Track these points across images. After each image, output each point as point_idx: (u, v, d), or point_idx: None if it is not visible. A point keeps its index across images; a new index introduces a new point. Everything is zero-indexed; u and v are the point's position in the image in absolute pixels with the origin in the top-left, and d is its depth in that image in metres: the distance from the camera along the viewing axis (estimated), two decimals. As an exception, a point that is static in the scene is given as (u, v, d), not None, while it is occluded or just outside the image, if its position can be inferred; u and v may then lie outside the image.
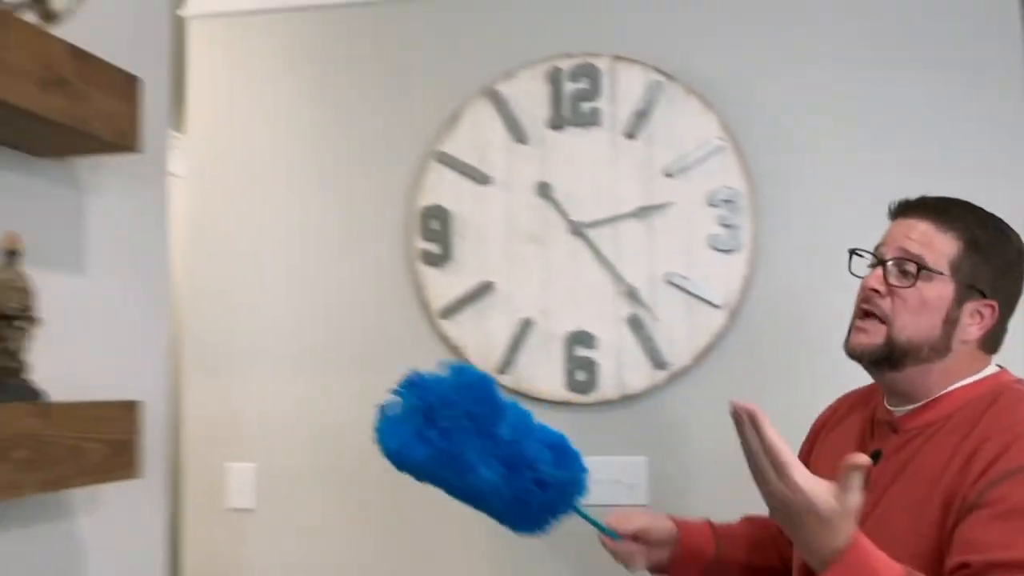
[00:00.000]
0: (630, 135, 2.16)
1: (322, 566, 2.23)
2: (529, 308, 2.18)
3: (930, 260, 1.28)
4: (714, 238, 2.11)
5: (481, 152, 2.21)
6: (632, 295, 2.14)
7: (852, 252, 1.38)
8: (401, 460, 1.24)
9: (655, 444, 2.12)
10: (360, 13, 2.29)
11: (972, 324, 1.29)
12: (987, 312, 1.29)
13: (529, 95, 2.19)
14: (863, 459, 1.03)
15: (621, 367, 2.13)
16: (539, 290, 2.18)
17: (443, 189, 2.22)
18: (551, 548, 2.12)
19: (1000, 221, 1.33)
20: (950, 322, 1.28)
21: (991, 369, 1.32)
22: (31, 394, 1.03)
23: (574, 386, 2.14)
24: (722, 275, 2.11)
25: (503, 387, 2.14)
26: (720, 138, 2.12)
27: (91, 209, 1.26)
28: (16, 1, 1.02)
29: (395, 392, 1.26)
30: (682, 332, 2.12)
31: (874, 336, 1.30)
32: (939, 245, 1.28)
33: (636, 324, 2.13)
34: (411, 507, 2.18)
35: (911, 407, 1.32)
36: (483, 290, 2.19)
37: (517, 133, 2.20)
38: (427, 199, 2.22)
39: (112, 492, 1.27)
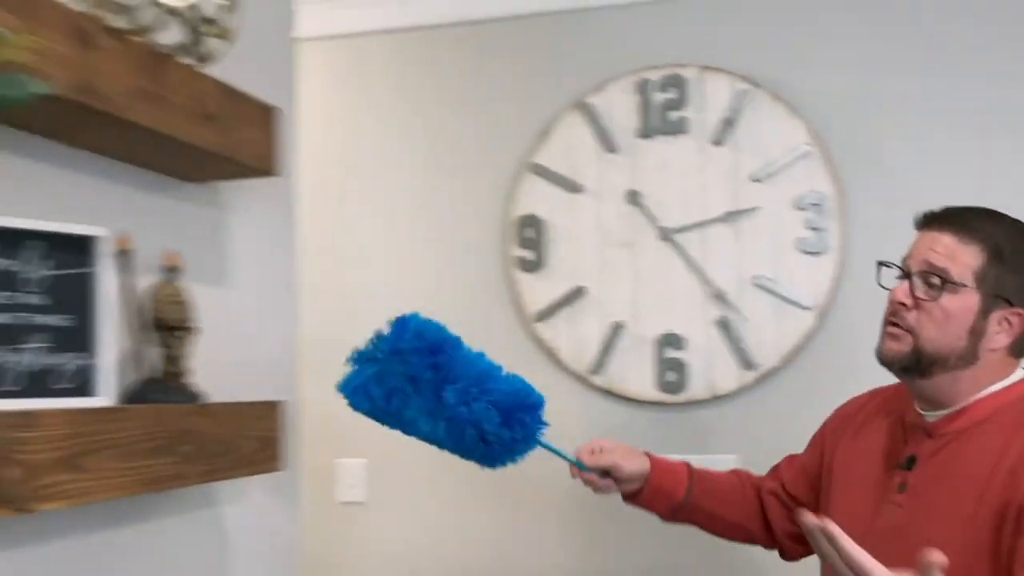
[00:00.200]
0: (717, 142, 2.22)
1: (428, 556, 2.35)
2: (620, 311, 2.25)
3: (955, 273, 1.28)
4: (802, 241, 2.16)
5: (572, 162, 2.30)
6: (720, 298, 2.20)
7: (880, 264, 1.39)
8: (353, 406, 1.32)
9: (744, 443, 2.18)
10: (458, 33, 2.40)
11: (1000, 332, 1.29)
12: (1015, 320, 1.29)
13: (618, 106, 2.27)
14: (940, 557, 0.96)
15: (710, 368, 2.20)
16: (630, 294, 2.26)
17: (537, 199, 2.31)
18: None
19: None
20: (976, 332, 1.29)
21: (1020, 374, 1.33)
22: (193, 396, 1.15)
23: (664, 386, 2.22)
24: (810, 277, 2.15)
25: (594, 387, 2.25)
26: (807, 143, 2.17)
27: (233, 228, 1.39)
28: (176, 44, 1.13)
29: (349, 359, 1.33)
30: (770, 334, 2.17)
31: (903, 344, 1.32)
32: (963, 257, 1.29)
33: (724, 326, 2.19)
34: (514, 499, 2.29)
35: (944, 412, 1.33)
36: (576, 294, 2.28)
37: (607, 143, 2.28)
38: (522, 209, 2.32)
39: (254, 484, 1.40)
